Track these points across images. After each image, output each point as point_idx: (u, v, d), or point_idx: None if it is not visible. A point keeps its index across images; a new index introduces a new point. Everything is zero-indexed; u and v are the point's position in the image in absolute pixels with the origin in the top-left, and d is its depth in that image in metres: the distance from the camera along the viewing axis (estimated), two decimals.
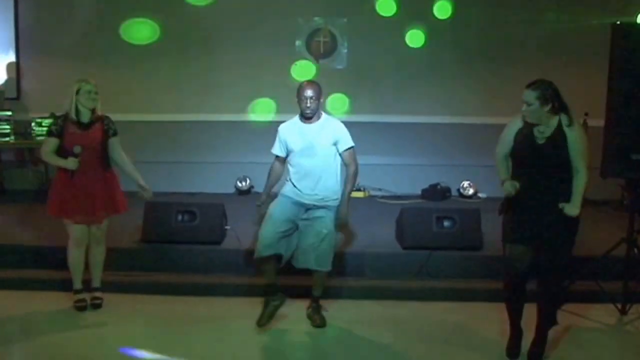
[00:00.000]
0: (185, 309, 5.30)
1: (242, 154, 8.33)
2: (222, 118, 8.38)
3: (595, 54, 7.51)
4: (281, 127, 4.97)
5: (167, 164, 8.54)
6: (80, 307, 5.21)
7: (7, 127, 7.52)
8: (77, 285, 5.26)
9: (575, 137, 4.15)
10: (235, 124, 8.29)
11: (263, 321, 4.77)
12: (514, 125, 4.34)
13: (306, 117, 4.84)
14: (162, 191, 8.15)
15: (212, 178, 8.44)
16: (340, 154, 4.92)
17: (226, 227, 6.27)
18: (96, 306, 5.26)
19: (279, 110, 8.18)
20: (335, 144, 4.88)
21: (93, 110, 5.08)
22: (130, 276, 5.75)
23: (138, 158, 8.40)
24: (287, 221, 4.79)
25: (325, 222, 4.84)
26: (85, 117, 5.06)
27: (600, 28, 7.41)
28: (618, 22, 5.50)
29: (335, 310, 5.26)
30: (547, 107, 4.15)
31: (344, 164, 4.97)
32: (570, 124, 4.16)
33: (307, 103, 4.77)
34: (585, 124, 7.79)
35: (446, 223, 6.03)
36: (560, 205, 4.12)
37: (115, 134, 5.23)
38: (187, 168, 8.44)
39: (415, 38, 8.50)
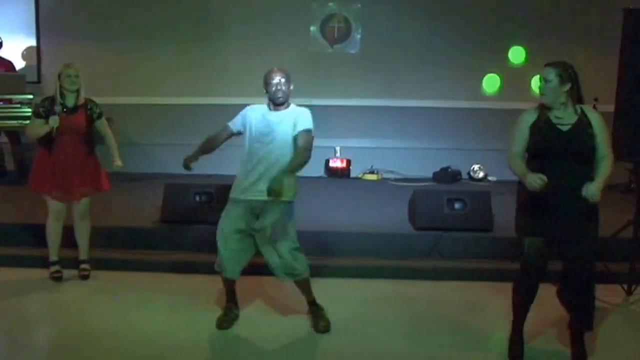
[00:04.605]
0: (202, 286, 5.37)
1: None
2: (238, 101, 8.48)
3: (605, 38, 7.58)
4: (249, 107, 4.63)
5: (184, 146, 8.62)
6: (56, 278, 5.43)
7: (29, 110, 7.68)
8: (53, 257, 5.48)
9: (602, 123, 3.97)
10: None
11: (226, 325, 4.62)
12: (528, 118, 4.06)
13: (277, 104, 4.47)
14: (181, 173, 8.32)
15: (228, 160, 8.58)
16: (295, 136, 4.43)
17: None
18: (84, 277, 5.50)
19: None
20: (294, 126, 4.46)
21: (77, 94, 5.26)
22: (149, 255, 5.90)
23: (156, 140, 8.68)
24: (238, 235, 4.47)
25: (276, 229, 4.41)
26: (70, 101, 5.24)
27: (611, 12, 7.46)
28: (630, 7, 5.55)
29: (349, 288, 5.38)
30: (566, 87, 3.94)
31: (296, 146, 4.44)
32: (594, 112, 4.00)
33: (276, 87, 4.41)
34: (594, 109, 7.86)
35: (457, 205, 6.10)
36: (584, 189, 3.88)
37: (100, 116, 5.42)
38: None
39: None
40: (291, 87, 4.53)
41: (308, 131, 4.46)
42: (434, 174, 8.54)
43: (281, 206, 4.44)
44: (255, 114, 4.54)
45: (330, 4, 8.67)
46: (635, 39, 5.38)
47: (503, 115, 8.49)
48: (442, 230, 5.97)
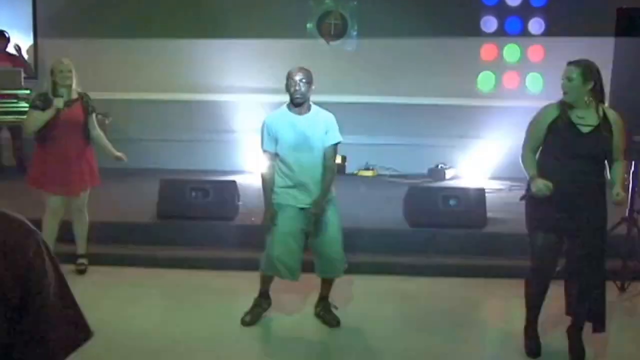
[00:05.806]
0: (199, 282, 5.43)
1: (254, 132, 8.47)
2: (233, 98, 8.52)
3: (599, 36, 7.60)
4: (268, 119, 4.48)
5: (181, 142, 8.71)
6: None
7: (26, 105, 7.69)
8: None
9: (621, 127, 4.00)
10: (246, 103, 8.44)
11: (249, 320, 4.65)
12: (548, 114, 4.00)
13: (296, 104, 4.42)
14: (177, 169, 8.36)
15: (224, 156, 8.61)
16: (324, 147, 4.49)
17: (238, 203, 6.40)
18: (81, 272, 5.52)
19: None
20: (325, 133, 4.50)
21: (70, 89, 5.28)
22: (145, 250, 5.90)
23: (153, 136, 8.69)
24: (292, 237, 4.46)
25: (333, 224, 4.53)
26: (65, 95, 5.26)
27: (605, 11, 7.50)
28: (624, 6, 5.60)
29: (345, 285, 5.37)
30: (589, 86, 3.89)
31: (325, 159, 4.49)
32: (615, 115, 4.01)
33: (296, 86, 4.36)
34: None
35: (452, 202, 6.14)
36: (615, 192, 3.96)
37: (93, 110, 5.45)
38: (200, 146, 8.62)
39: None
40: (312, 88, 4.47)
41: (338, 144, 4.55)
42: (429, 170, 8.57)
43: (330, 200, 4.54)
44: (281, 124, 4.44)
45: (327, 1, 8.69)
46: (628, 37, 5.42)
47: (499, 113, 8.55)
48: (436, 227, 6.01)
